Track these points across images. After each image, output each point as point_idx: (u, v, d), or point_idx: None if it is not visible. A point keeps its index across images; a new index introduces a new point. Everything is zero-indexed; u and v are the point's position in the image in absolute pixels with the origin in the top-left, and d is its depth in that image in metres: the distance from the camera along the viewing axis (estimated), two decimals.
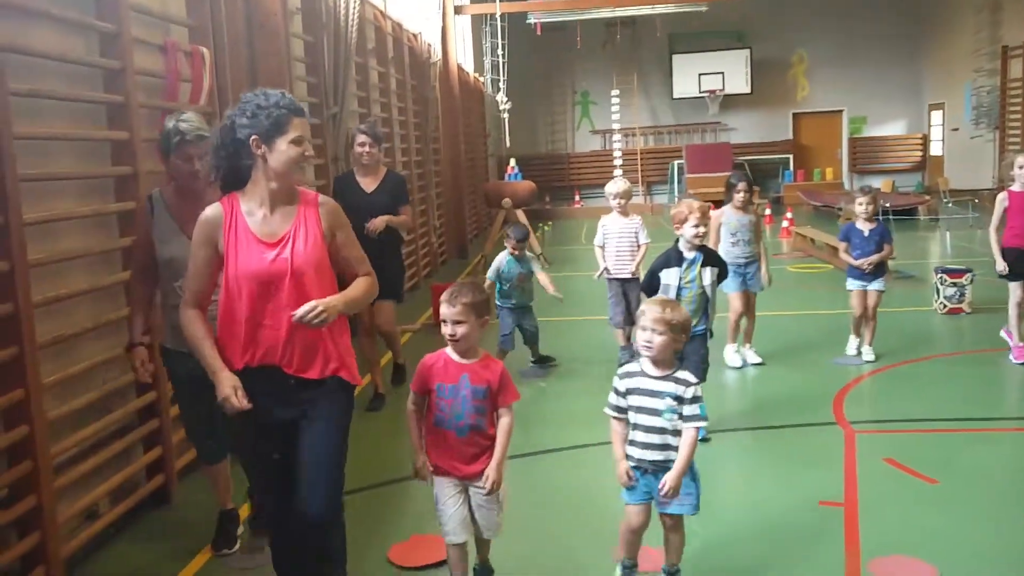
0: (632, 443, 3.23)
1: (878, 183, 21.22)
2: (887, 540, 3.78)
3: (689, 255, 4.95)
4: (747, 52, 22.16)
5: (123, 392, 4.13)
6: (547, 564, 3.72)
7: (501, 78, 17.49)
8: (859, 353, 6.68)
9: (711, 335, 5.15)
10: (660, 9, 18.75)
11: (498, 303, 6.48)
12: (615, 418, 3.28)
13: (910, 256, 11.83)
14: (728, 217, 6.52)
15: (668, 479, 3.13)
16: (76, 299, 3.84)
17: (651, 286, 5.03)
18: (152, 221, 3.54)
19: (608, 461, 4.85)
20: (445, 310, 3.11)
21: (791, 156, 22.64)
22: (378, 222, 5.58)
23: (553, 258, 12.97)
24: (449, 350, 3.16)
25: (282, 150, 2.79)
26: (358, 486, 4.43)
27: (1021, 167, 6.22)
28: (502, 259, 6.46)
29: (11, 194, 3.27)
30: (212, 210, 2.85)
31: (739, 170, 6.92)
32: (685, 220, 4.88)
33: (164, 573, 3.71)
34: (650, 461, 3.20)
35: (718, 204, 19.96)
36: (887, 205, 15.67)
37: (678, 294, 4.90)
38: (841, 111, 23.00)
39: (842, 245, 6.77)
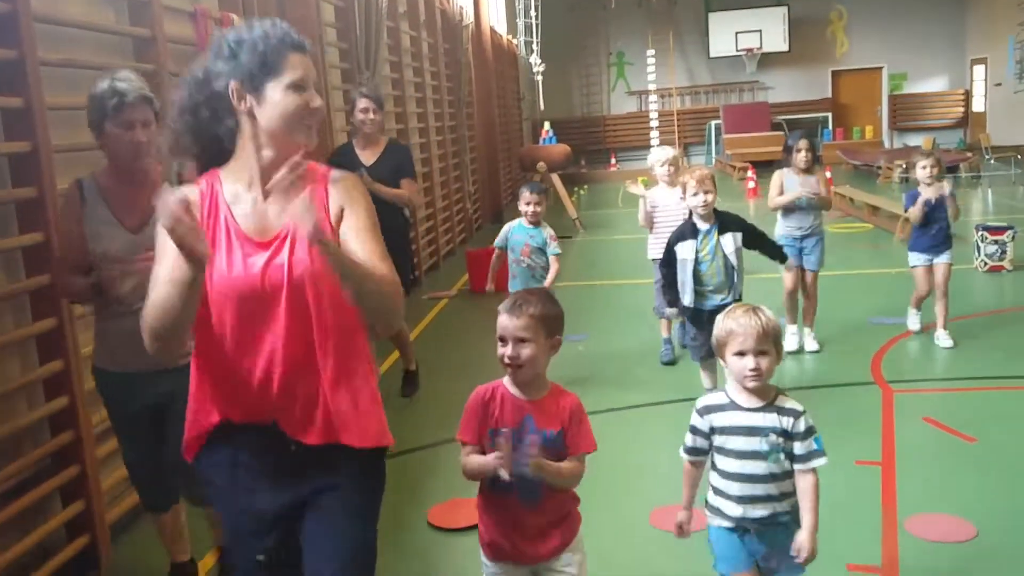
0: (724, 496, 2.47)
1: (918, 140, 20.79)
2: (925, 499, 3.76)
3: (703, 226, 4.72)
4: (785, 9, 21.72)
5: None
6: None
7: (534, 40, 17.33)
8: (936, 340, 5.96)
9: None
10: None
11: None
12: (691, 461, 2.56)
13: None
14: (788, 180, 5.77)
15: (804, 542, 2.39)
16: None
17: (668, 261, 4.83)
18: (84, 211, 2.89)
19: (648, 420, 4.94)
20: (505, 322, 2.29)
21: (830, 114, 22.23)
22: (368, 180, 4.68)
23: (588, 222, 12.91)
24: (507, 381, 2.35)
25: (276, 100, 1.92)
26: (396, 450, 4.47)
27: None
28: (512, 224, 5.46)
29: (45, 165, 3.33)
30: (185, 189, 1.97)
31: (797, 130, 5.95)
32: (695, 186, 4.65)
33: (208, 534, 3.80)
34: (754, 520, 2.45)
35: (755, 165, 19.72)
36: None
37: (696, 267, 4.71)
38: (881, 68, 22.50)
39: (912, 212, 5.86)
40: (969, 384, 5.19)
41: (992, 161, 16.77)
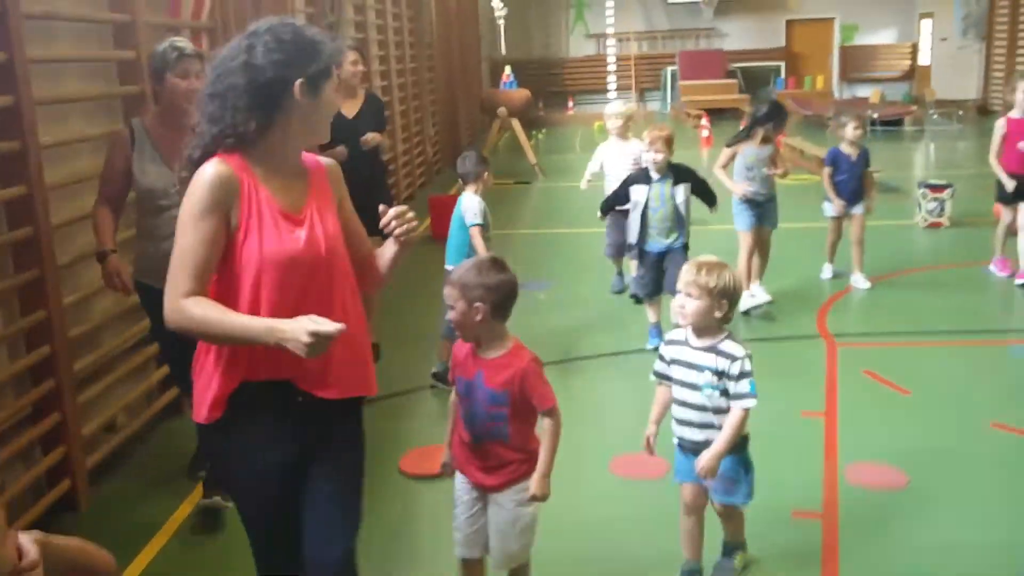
0: (675, 418, 2.92)
1: (867, 92, 21.15)
2: (863, 448, 4.03)
3: (655, 175, 5.08)
4: None
5: (137, 309, 4.28)
6: None
7: None
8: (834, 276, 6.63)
9: (687, 248, 5.16)
10: None
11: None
12: (658, 384, 2.98)
13: (895, 168, 11.95)
14: (746, 150, 5.92)
15: (703, 458, 2.78)
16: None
17: (617, 197, 5.28)
18: (132, 150, 3.40)
19: (606, 369, 5.17)
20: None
21: (783, 64, 22.45)
22: (371, 137, 5.11)
23: (547, 167, 13.01)
24: None
25: (329, 100, 2.18)
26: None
27: (1021, 91, 6.25)
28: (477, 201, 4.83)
29: (27, 118, 3.36)
30: (221, 169, 2.07)
31: (768, 99, 6.07)
32: (647, 145, 5.03)
33: (184, 482, 3.95)
34: (690, 440, 2.88)
35: (710, 112, 19.79)
36: (875, 116, 15.71)
37: (646, 211, 5.08)
38: (833, 19, 22.71)
39: (827, 170, 6.48)
40: (906, 339, 5.50)
41: (935, 116, 17.16)
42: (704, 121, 17.26)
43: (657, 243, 5.14)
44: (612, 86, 22.50)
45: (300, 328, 1.94)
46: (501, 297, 2.55)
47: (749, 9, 22.30)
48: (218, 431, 2.19)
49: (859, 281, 6.49)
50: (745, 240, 5.97)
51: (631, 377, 4.99)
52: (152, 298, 3.18)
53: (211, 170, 2.06)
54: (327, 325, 1.94)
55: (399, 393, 4.86)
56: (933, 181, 8.48)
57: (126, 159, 3.40)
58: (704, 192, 5.29)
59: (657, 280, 5.19)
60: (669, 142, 5.02)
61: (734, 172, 5.93)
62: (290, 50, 2.07)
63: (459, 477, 2.73)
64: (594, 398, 4.84)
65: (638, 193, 5.11)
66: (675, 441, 2.95)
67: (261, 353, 2.09)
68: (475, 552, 2.72)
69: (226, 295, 2.09)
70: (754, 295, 6.08)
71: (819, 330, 5.64)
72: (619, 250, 6.29)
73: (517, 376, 2.54)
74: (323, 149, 4.68)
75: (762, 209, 5.99)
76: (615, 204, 5.47)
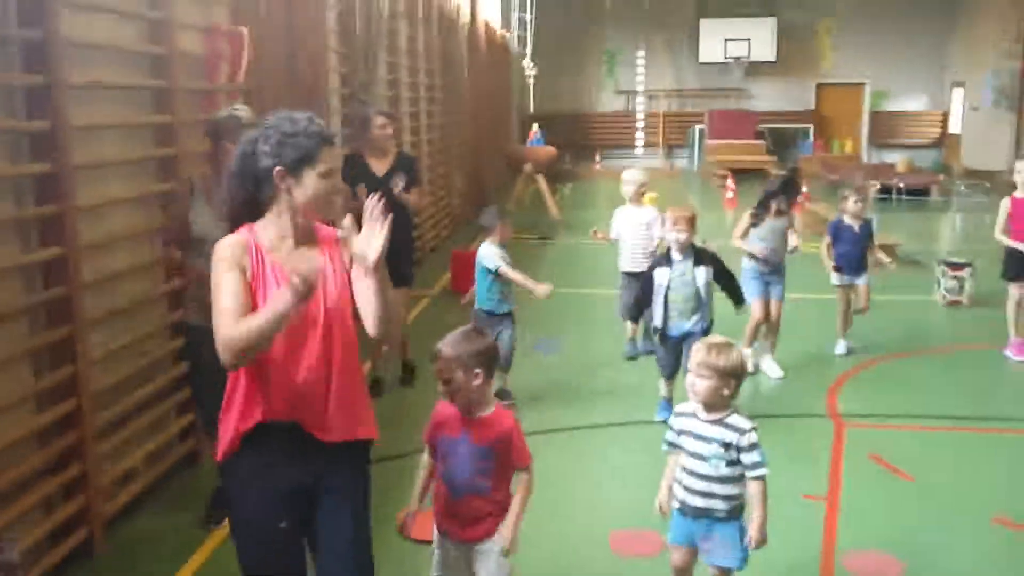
0: (679, 483, 3.13)
1: (896, 157, 21.23)
2: (862, 534, 4.07)
3: (677, 256, 5.15)
4: (774, 20, 21.98)
5: (162, 362, 4.44)
6: (542, 547, 3.89)
7: (528, 37, 17.45)
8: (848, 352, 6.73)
9: (709, 332, 5.20)
10: None
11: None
12: (668, 454, 3.20)
13: (918, 239, 11.97)
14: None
15: (753, 534, 3.00)
16: (123, 276, 4.12)
17: (646, 285, 5.28)
18: (191, 201, 3.89)
19: (610, 441, 5.23)
20: (433, 363, 2.86)
21: (811, 126, 22.61)
22: (397, 184, 5.43)
23: (569, 223, 13.17)
24: None
25: (310, 184, 2.47)
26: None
27: (1020, 172, 6.36)
28: (495, 249, 5.51)
29: (67, 182, 3.54)
30: (234, 238, 2.50)
31: (781, 179, 6.45)
32: (670, 225, 5.12)
33: (197, 531, 4.05)
34: (691, 507, 3.09)
35: (736, 173, 19.94)
36: (900, 184, 15.78)
37: (666, 292, 5.13)
38: (864, 84, 22.88)
39: (826, 240, 6.66)
40: (916, 422, 5.52)
41: (963, 188, 17.18)
42: (729, 182, 17.40)
43: (678, 326, 5.17)
44: (640, 142, 22.76)
45: (292, 282, 2.28)
46: (490, 360, 2.84)
47: (780, 71, 22.51)
48: (232, 464, 2.54)
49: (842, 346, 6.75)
50: (754, 307, 6.10)
51: (635, 451, 5.05)
52: (198, 336, 3.57)
53: (228, 239, 2.50)
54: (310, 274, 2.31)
55: (403, 455, 4.93)
56: (953, 259, 8.52)
57: (186, 209, 3.89)
58: (730, 288, 5.34)
59: (676, 362, 5.24)
60: (692, 222, 5.13)
61: (749, 242, 6.15)
62: (274, 142, 2.46)
63: (439, 541, 2.94)
64: (596, 470, 4.87)
65: (661, 276, 5.15)
66: (675, 505, 3.15)
67: (275, 397, 2.47)
68: None
69: None
70: (760, 365, 6.32)
71: (828, 409, 5.68)
72: (631, 311, 6.20)
73: (504, 435, 2.81)
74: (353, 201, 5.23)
75: (770, 280, 6.19)
76: (643, 304, 5.36)
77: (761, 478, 2.99)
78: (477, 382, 2.78)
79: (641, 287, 5.38)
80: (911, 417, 5.58)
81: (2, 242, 3.40)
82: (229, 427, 2.53)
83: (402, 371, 6.09)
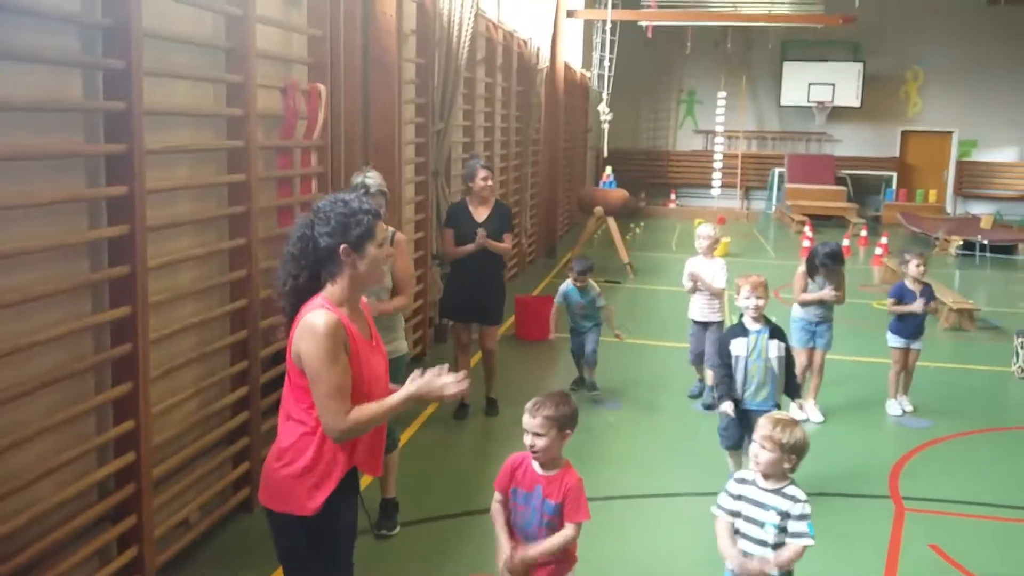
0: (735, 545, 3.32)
1: (983, 209, 20.63)
2: None
3: (752, 327, 5.09)
4: (860, 65, 21.64)
5: (221, 412, 4.56)
6: None
7: (605, 84, 17.50)
8: (903, 412, 6.88)
9: (778, 407, 5.13)
10: (772, 24, 18.60)
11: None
12: (721, 517, 3.36)
13: (998, 302, 11.57)
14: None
15: (774, 556, 3.20)
16: (186, 331, 4.26)
17: (722, 354, 5.17)
18: None
19: (662, 512, 5.15)
20: (526, 420, 3.12)
21: (895, 174, 22.11)
22: (482, 234, 6.15)
23: (639, 266, 13.10)
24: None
25: (373, 255, 2.81)
26: (422, 516, 4.76)
27: None
28: (566, 286, 7.03)
29: (139, 241, 3.68)
30: (332, 316, 2.73)
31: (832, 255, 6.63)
32: (739, 292, 5.13)
33: None
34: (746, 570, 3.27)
35: (813, 218, 19.76)
36: (984, 241, 15.28)
37: (745, 365, 5.04)
38: (952, 132, 22.30)
39: (891, 302, 6.87)
40: (983, 511, 5.28)
41: None
42: (807, 228, 17.09)
43: (748, 400, 5.07)
44: (717, 183, 22.55)
45: (439, 384, 2.80)
46: (576, 423, 3.17)
47: (864, 116, 22.13)
48: (333, 505, 2.83)
49: (904, 404, 6.92)
50: (799, 357, 6.36)
51: (685, 523, 4.97)
52: None
53: (329, 319, 2.71)
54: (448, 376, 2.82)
55: (455, 515, 4.96)
56: None
57: None
58: (789, 373, 5.20)
59: (740, 434, 5.14)
60: (767, 288, 5.20)
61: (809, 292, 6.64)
62: (335, 224, 2.77)
63: None
64: (643, 548, 4.73)
65: (738, 347, 5.07)
66: (729, 566, 3.33)
67: (361, 446, 2.86)
68: None
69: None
70: (807, 412, 6.61)
71: (890, 490, 5.50)
72: (700, 357, 7.02)
73: (567, 489, 3.09)
74: (458, 245, 6.13)
75: (816, 330, 6.65)
76: (727, 371, 5.15)
77: (804, 546, 3.18)
78: (565, 441, 3.11)
79: (719, 354, 5.25)
80: (978, 505, 5.36)
81: (75, 300, 3.54)
82: (318, 487, 2.79)
83: (487, 404, 6.70)
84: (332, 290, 2.80)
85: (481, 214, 6.32)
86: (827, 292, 6.54)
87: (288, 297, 2.84)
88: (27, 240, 3.21)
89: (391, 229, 4.60)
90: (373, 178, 4.50)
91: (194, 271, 4.37)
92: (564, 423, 3.10)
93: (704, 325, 6.96)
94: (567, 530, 3.11)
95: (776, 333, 5.13)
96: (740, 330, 5.14)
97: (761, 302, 5.08)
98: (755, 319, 5.10)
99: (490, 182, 6.29)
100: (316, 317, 2.71)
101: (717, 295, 6.86)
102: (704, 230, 7.05)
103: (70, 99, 3.49)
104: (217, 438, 4.50)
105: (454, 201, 7.14)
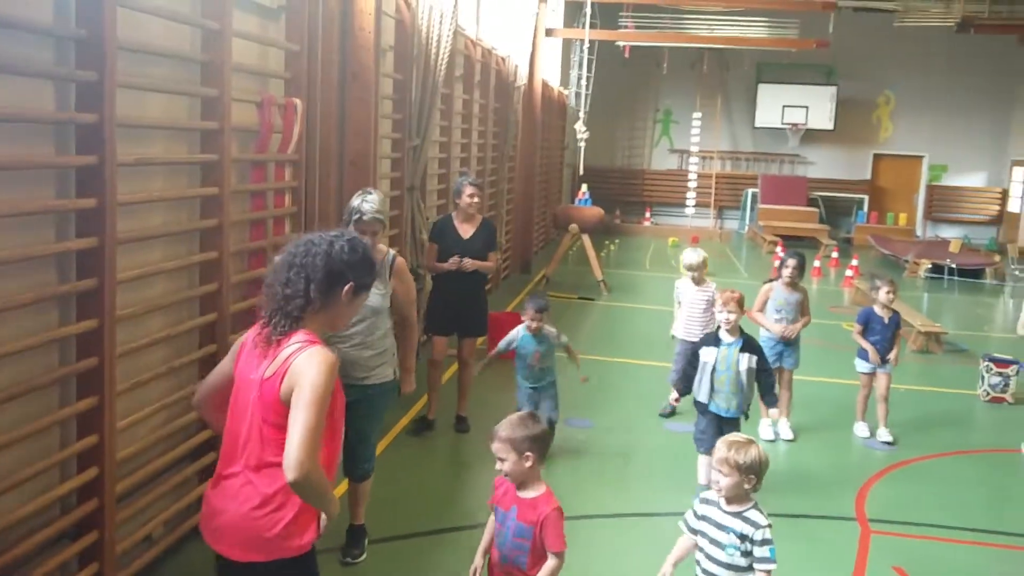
0: (698, 564, 3.40)
1: (952, 232, 20.93)
2: None
3: (727, 339, 5.34)
4: (834, 89, 21.95)
5: (186, 427, 4.51)
6: None
7: (583, 102, 17.61)
8: (872, 435, 6.88)
9: (746, 418, 5.47)
10: (747, 48, 18.86)
11: (517, 380, 6.11)
12: (685, 534, 3.46)
13: (966, 325, 11.74)
14: (776, 292, 6.86)
15: None
16: (154, 345, 4.22)
17: (691, 362, 5.49)
18: None
19: (635, 532, 5.16)
20: (491, 442, 3.17)
21: (866, 196, 22.40)
22: (469, 263, 6.27)
23: (614, 284, 13.16)
24: None
25: (358, 304, 2.82)
26: (395, 533, 4.73)
27: None
28: (517, 333, 6.03)
29: (108, 255, 3.65)
30: (333, 356, 2.64)
31: (792, 249, 7.12)
32: (720, 305, 5.37)
33: None
34: None
35: (785, 239, 19.97)
36: (952, 265, 15.50)
37: (712, 373, 5.30)
38: (922, 157, 22.66)
39: (857, 327, 6.88)
40: (948, 534, 5.33)
41: (1017, 272, 16.81)
42: (779, 249, 17.24)
43: (717, 406, 5.36)
44: (691, 202, 22.72)
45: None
46: (543, 445, 3.15)
47: (836, 140, 22.43)
48: (311, 554, 2.73)
49: (883, 435, 6.81)
50: None
51: (657, 544, 4.96)
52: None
53: (330, 358, 2.58)
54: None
55: (430, 532, 4.94)
56: (998, 356, 8.32)
57: None
58: (767, 385, 5.47)
59: (715, 438, 5.21)
60: (741, 303, 5.39)
61: (766, 313, 6.80)
62: (358, 259, 2.75)
63: None
64: (615, 567, 4.72)
65: (707, 355, 5.36)
66: None
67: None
68: None
69: (331, 440, 2.69)
70: (777, 430, 6.77)
71: (856, 511, 5.55)
72: (679, 384, 6.44)
73: (542, 518, 3.06)
74: (440, 261, 6.19)
75: (784, 351, 6.73)
76: (691, 377, 5.51)
77: (767, 572, 3.24)
78: (528, 464, 3.08)
79: (688, 361, 5.61)
80: (943, 528, 5.41)
81: (41, 312, 3.50)
82: (306, 521, 2.68)
83: (456, 421, 6.64)
84: (314, 325, 2.68)
85: (467, 231, 6.38)
86: (777, 327, 6.69)
87: (298, 311, 2.64)
88: None
89: (391, 252, 4.65)
90: (371, 203, 4.44)
91: (164, 284, 4.33)
92: (521, 446, 3.07)
93: (687, 343, 6.79)
94: (550, 562, 3.08)
95: (748, 347, 5.34)
96: (713, 340, 5.41)
97: (732, 316, 5.32)
98: (729, 331, 5.34)
99: (476, 199, 6.31)
100: (322, 354, 2.57)
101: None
102: (689, 258, 7.00)
103: (42, 110, 3.46)
104: (183, 453, 4.45)
105: (439, 217, 7.26)
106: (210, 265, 4.55)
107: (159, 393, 4.30)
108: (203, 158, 4.50)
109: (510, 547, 3.10)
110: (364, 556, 4.58)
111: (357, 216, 4.40)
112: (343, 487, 4.79)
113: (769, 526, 3.27)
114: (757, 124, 22.56)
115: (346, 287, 2.71)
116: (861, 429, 6.97)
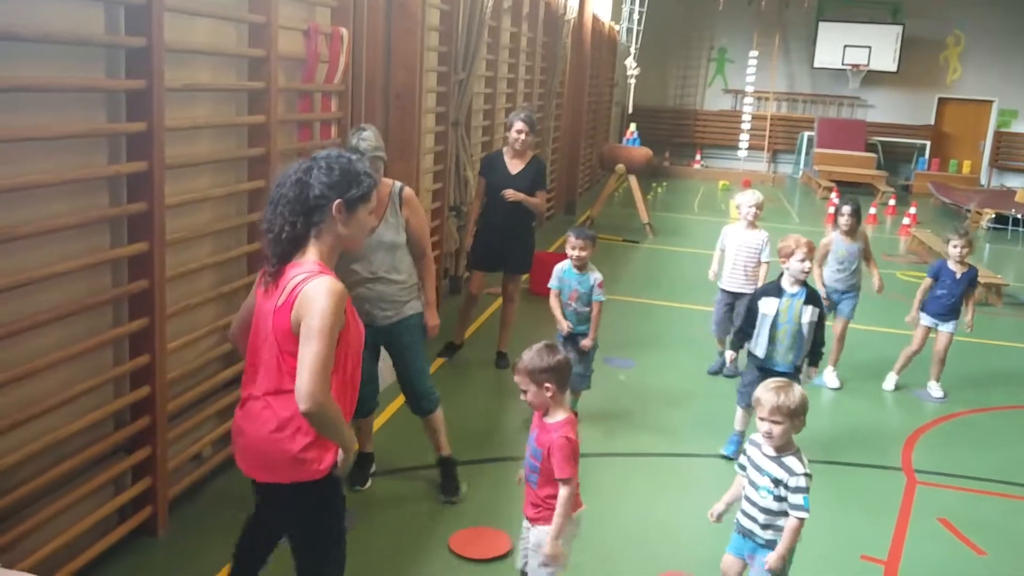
0: (742, 502, 3.43)
1: (1019, 182, 20.24)
2: None
3: (791, 289, 4.99)
4: (900, 28, 21.15)
5: (233, 351, 4.57)
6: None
7: (634, 38, 17.20)
8: (896, 388, 6.71)
9: (798, 371, 5.11)
10: None
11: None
12: (739, 475, 3.49)
13: None
14: (837, 244, 6.61)
15: (770, 559, 3.25)
16: (203, 270, 4.26)
17: (750, 312, 5.11)
18: None
19: (674, 472, 5.15)
20: (514, 374, 3.21)
21: (928, 143, 21.71)
22: (513, 193, 6.21)
23: (660, 227, 13.00)
24: None
25: (361, 219, 2.73)
26: (432, 462, 4.79)
27: None
28: (562, 266, 5.49)
29: (158, 180, 3.67)
30: (341, 286, 2.61)
31: (848, 195, 6.81)
32: (791, 254, 4.94)
33: None
34: (742, 525, 3.41)
35: (840, 184, 19.48)
36: (1018, 215, 15.02)
37: (773, 326, 4.97)
38: (992, 101, 21.81)
39: (927, 281, 6.56)
40: (997, 488, 5.21)
41: None
42: (833, 195, 16.85)
43: (775, 362, 5.01)
44: (744, 144, 22.26)
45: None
46: (561, 376, 3.13)
47: (900, 82, 21.68)
48: (333, 478, 2.77)
49: (934, 389, 6.62)
50: None
51: (694, 484, 4.98)
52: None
53: (336, 287, 2.57)
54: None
55: (461, 463, 4.98)
56: None
57: None
58: (818, 340, 5.11)
59: None
60: (813, 250, 5.06)
61: (827, 265, 6.59)
62: (337, 176, 2.65)
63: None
64: (647, 506, 4.71)
65: (767, 306, 4.98)
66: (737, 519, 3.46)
67: (348, 409, 2.76)
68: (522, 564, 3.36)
69: (343, 371, 2.68)
70: (824, 378, 6.63)
71: (902, 462, 5.47)
72: (724, 329, 6.64)
73: (549, 443, 3.09)
74: (488, 195, 6.36)
75: (840, 299, 6.59)
76: (747, 333, 5.13)
77: (800, 519, 3.21)
78: (548, 394, 3.11)
79: (745, 316, 5.20)
80: (992, 482, 5.29)
81: (94, 234, 3.55)
82: (325, 445, 2.69)
83: (497, 356, 6.69)
84: (320, 250, 2.66)
85: (516, 166, 6.34)
86: (825, 291, 6.49)
87: (284, 245, 2.65)
88: (45, 173, 3.20)
89: (397, 183, 4.42)
90: (367, 140, 4.18)
91: (212, 211, 4.36)
92: (539, 377, 3.09)
93: (735, 295, 6.54)
94: (562, 491, 3.10)
95: (812, 298, 5.03)
96: (775, 290, 5.04)
97: (810, 264, 5.01)
98: (797, 281, 5.00)
99: (524, 136, 6.22)
100: (328, 283, 2.56)
101: (760, 274, 6.46)
102: (748, 197, 6.58)
103: (91, 33, 3.45)
104: (230, 377, 4.52)
105: (488, 153, 7.19)
106: (258, 194, 4.56)
107: (208, 318, 4.36)
108: (251, 85, 4.48)
109: (527, 466, 3.21)
110: (464, 490, 4.57)
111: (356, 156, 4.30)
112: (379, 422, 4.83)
113: (807, 475, 3.22)
114: (816, 64, 21.89)
115: (334, 206, 2.64)
116: (890, 381, 6.72)
